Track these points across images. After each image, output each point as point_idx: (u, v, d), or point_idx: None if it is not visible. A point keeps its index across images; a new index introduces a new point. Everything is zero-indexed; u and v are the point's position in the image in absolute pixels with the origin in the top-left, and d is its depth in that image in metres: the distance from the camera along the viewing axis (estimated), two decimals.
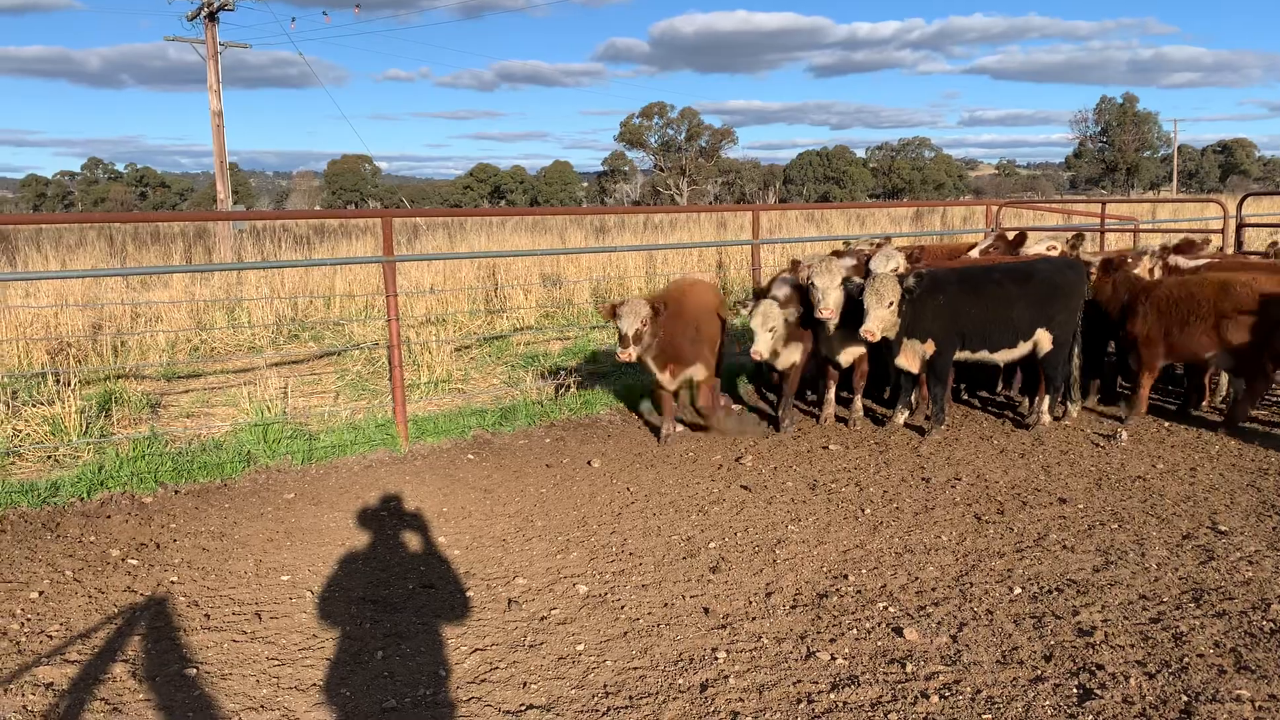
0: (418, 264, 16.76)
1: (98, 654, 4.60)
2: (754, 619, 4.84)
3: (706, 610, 4.96)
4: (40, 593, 5.31)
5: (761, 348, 7.83)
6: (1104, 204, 14.55)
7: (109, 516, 6.55)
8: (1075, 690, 4.00)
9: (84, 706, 4.10)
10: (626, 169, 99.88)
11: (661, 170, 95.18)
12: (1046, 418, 8.26)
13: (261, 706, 4.13)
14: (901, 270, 8.41)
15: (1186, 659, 4.20)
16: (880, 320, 7.48)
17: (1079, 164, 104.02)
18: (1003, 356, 8.19)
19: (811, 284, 7.81)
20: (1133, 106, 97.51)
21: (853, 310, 7.79)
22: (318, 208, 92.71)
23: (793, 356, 8.44)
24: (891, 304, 7.51)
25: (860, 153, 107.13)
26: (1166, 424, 8.27)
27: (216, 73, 28.52)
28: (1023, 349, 8.12)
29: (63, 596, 5.28)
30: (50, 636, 4.79)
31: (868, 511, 6.39)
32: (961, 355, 8.11)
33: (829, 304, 7.75)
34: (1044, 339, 8.08)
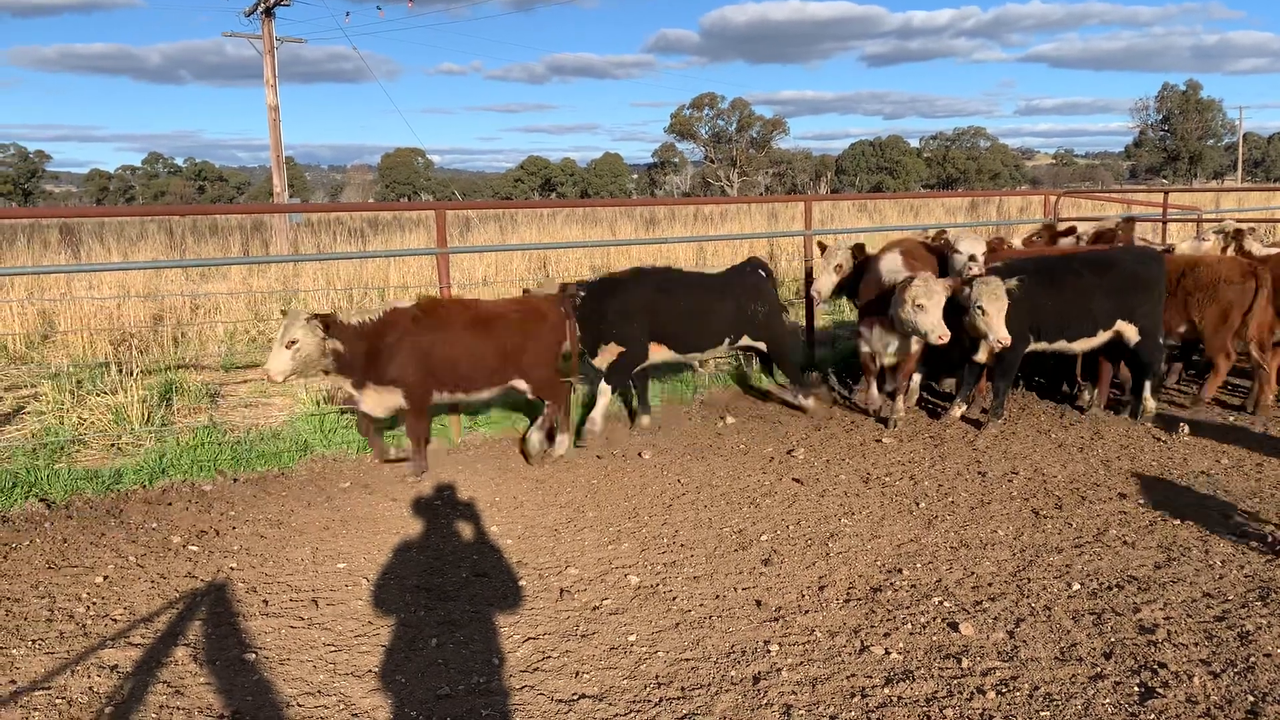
0: (470, 256, 16.87)
1: (160, 637, 4.70)
2: (807, 612, 4.81)
3: (759, 603, 4.94)
4: (105, 577, 5.44)
5: (270, 367, 6.54)
6: (1166, 193, 14.21)
7: (170, 504, 6.69)
8: (1137, 688, 3.92)
9: (147, 688, 4.19)
10: (677, 161, 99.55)
11: (712, 162, 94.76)
12: (1151, 403, 8.18)
13: (319, 691, 4.19)
14: (983, 256, 8.28)
15: (1253, 658, 4.10)
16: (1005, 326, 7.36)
17: (1139, 153, 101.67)
18: (1081, 346, 8.08)
19: (920, 306, 7.32)
20: (1196, 94, 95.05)
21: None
22: (371, 201, 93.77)
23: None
24: (1002, 310, 7.33)
25: (914, 143, 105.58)
26: (1231, 417, 8.07)
27: (273, 67, 28.93)
28: (1102, 338, 8.01)
29: (126, 581, 5.39)
30: (114, 620, 4.90)
31: (922, 505, 6.32)
32: (1039, 346, 7.99)
33: (936, 327, 7.33)
34: (1129, 331, 7.95)
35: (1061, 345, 8.03)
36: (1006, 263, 7.91)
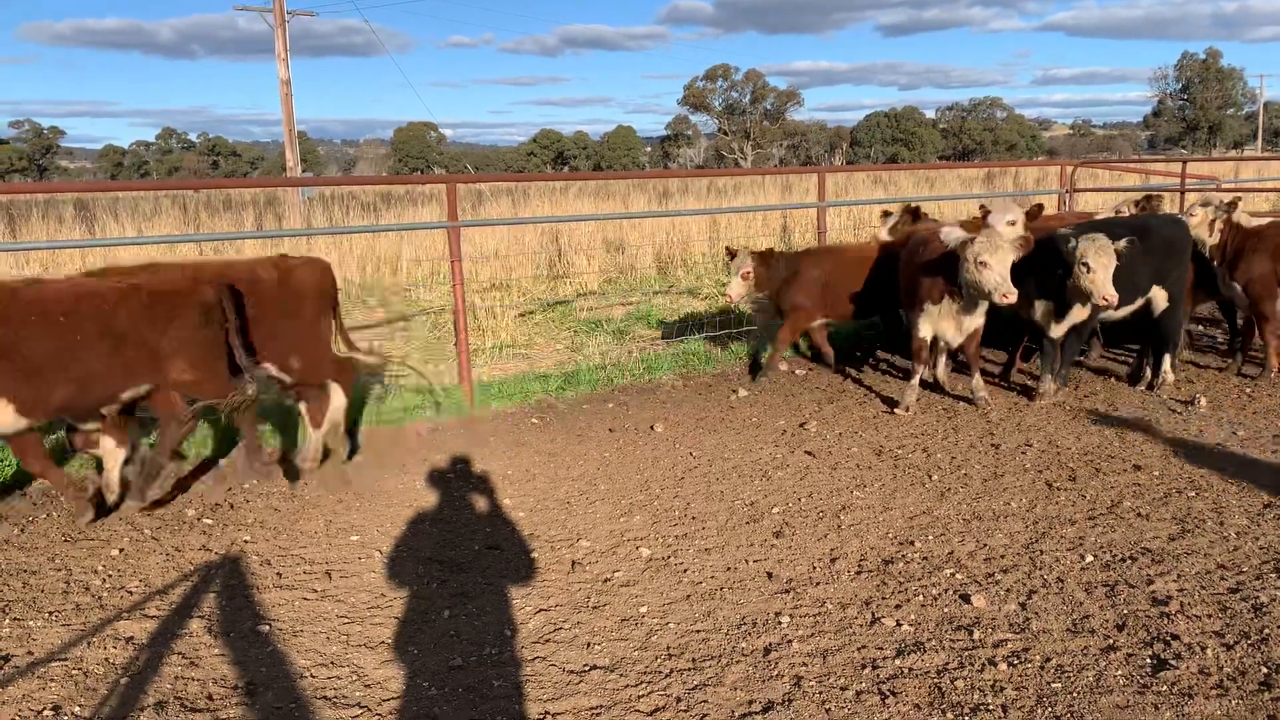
0: (482, 230, 16.86)
1: (175, 610, 4.74)
2: (818, 584, 4.81)
3: (770, 575, 4.94)
4: (120, 550, 5.48)
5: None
6: (1184, 163, 14.06)
7: (185, 477, 6.72)
8: (1149, 660, 3.91)
9: (162, 660, 4.23)
10: (690, 133, 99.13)
11: (725, 134, 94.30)
12: (1171, 375, 8.10)
13: (332, 663, 4.22)
14: (1021, 227, 8.15)
15: (1267, 630, 4.08)
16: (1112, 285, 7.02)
17: (1158, 123, 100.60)
18: (1123, 312, 7.92)
19: (982, 263, 6.93)
20: (1216, 62, 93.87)
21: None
22: (384, 175, 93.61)
23: None
24: (1109, 267, 7.04)
25: (930, 114, 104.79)
26: (1248, 390, 8.01)
27: (284, 41, 28.81)
28: (1137, 304, 7.91)
29: (142, 554, 5.44)
30: (130, 592, 4.94)
31: (935, 478, 6.30)
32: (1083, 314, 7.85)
33: (1001, 285, 6.89)
34: (1159, 296, 7.89)
35: (1110, 314, 7.84)
36: (1060, 232, 7.69)
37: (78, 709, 3.85)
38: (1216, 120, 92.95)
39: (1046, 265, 7.35)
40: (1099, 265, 6.98)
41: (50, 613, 4.70)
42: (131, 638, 4.44)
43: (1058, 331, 7.78)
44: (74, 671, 4.12)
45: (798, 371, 9.49)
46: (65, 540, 5.63)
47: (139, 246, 14.45)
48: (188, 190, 32.44)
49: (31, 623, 4.58)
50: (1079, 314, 7.59)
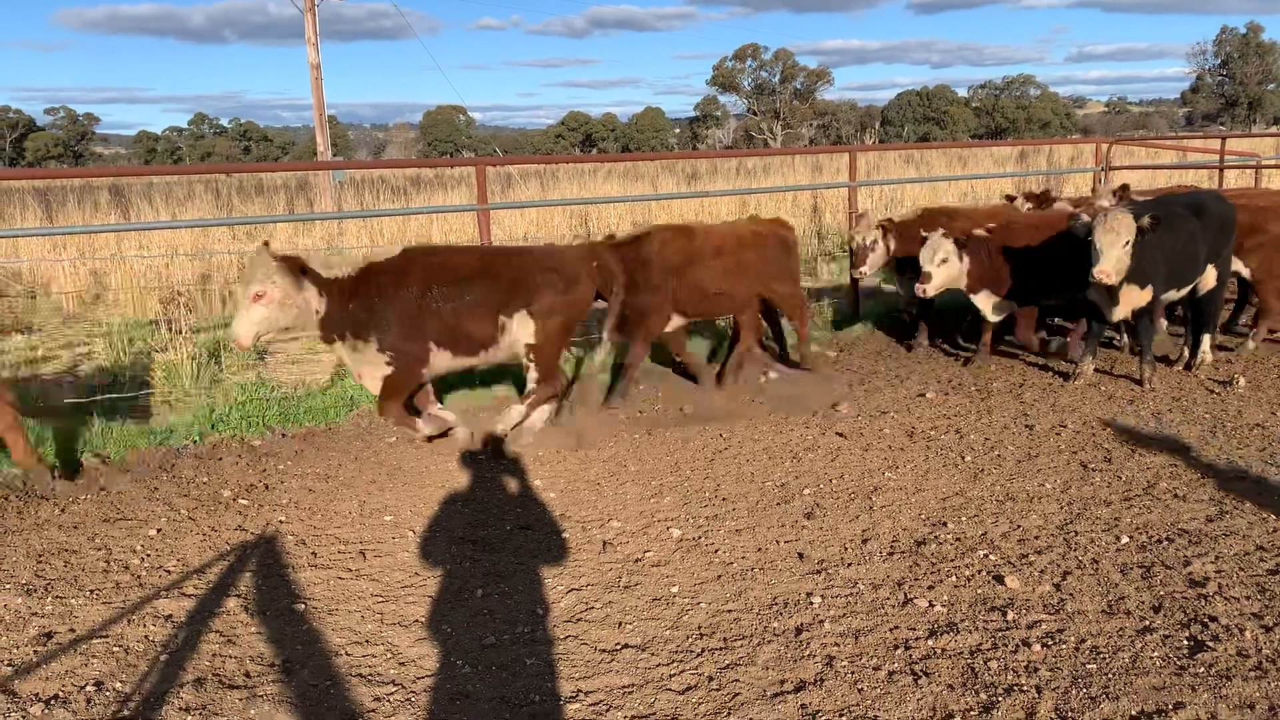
0: (511, 212, 16.89)
1: (212, 588, 4.80)
2: (849, 565, 4.79)
3: (801, 556, 4.93)
4: (158, 530, 5.56)
5: None
6: (1223, 140, 13.81)
7: (220, 459, 6.81)
8: (1186, 642, 3.87)
9: (200, 637, 4.29)
10: (719, 114, 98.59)
11: (755, 114, 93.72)
12: (1209, 356, 8.01)
13: (367, 641, 4.26)
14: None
15: None
16: (1115, 261, 6.89)
17: (1196, 99, 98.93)
18: (1173, 295, 7.79)
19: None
20: (1257, 36, 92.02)
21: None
22: (414, 158, 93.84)
23: None
24: (1127, 244, 6.92)
25: (962, 92, 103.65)
26: None
27: (314, 25, 28.87)
28: (1195, 283, 7.79)
29: (179, 534, 5.51)
30: (168, 571, 5.01)
31: (968, 459, 6.25)
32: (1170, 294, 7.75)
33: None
34: (1210, 275, 7.78)
35: (1171, 295, 7.75)
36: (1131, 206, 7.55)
37: (119, 685, 3.91)
38: (1257, 96, 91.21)
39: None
40: (1105, 243, 6.86)
41: (91, 591, 4.78)
42: (170, 616, 4.50)
43: (1118, 315, 7.57)
44: (115, 648, 4.19)
45: (829, 353, 9.44)
46: (105, 520, 5.71)
47: (173, 230, 14.59)
48: (220, 175, 32.75)
49: (73, 601, 4.66)
50: (1136, 296, 7.37)
